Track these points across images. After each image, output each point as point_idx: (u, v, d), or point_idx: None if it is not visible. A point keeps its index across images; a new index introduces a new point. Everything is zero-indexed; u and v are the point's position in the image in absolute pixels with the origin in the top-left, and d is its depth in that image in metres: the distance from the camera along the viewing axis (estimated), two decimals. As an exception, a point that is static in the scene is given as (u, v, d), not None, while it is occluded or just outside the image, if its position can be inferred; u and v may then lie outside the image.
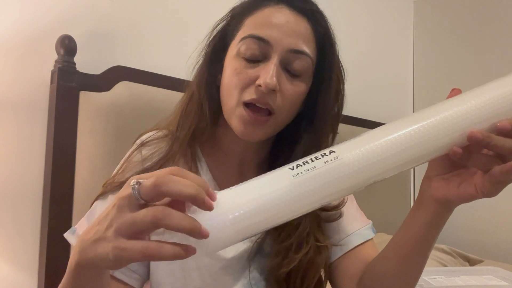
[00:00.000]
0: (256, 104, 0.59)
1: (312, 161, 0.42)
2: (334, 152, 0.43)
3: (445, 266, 1.48)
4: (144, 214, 0.36)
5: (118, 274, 0.61)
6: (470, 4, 2.08)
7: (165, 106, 1.12)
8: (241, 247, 0.67)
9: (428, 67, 2.23)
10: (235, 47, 0.61)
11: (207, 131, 0.65)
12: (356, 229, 0.70)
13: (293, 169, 0.42)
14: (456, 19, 2.13)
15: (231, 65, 0.61)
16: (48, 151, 1.03)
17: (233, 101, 0.60)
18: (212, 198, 0.38)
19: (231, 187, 0.42)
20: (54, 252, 1.00)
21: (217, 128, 0.67)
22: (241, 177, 0.68)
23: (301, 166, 0.42)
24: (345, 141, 0.45)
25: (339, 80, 0.68)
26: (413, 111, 2.26)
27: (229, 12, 0.67)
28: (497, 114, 0.44)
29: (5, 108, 1.01)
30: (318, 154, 0.43)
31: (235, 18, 0.65)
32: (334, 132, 0.70)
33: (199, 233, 0.37)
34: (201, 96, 0.65)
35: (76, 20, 1.12)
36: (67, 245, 1.01)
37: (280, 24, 0.59)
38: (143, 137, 0.69)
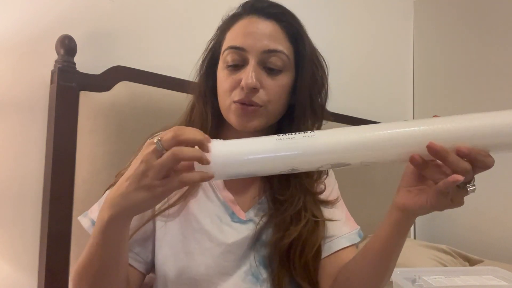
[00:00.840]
0: (244, 103, 0.68)
1: (295, 134, 0.55)
2: (314, 132, 0.54)
3: (445, 266, 1.48)
4: (166, 155, 0.49)
5: None
6: (470, 4, 2.08)
7: (165, 106, 1.13)
8: (242, 233, 0.72)
9: (428, 67, 2.23)
10: (221, 59, 0.72)
11: (210, 132, 0.72)
12: (345, 233, 0.77)
13: (278, 136, 0.55)
14: (456, 19, 2.13)
15: (221, 75, 0.72)
16: (48, 151, 1.03)
17: (226, 102, 0.71)
18: (208, 140, 0.53)
19: (230, 140, 0.55)
20: (54, 252, 1.00)
21: (220, 129, 0.76)
22: None
23: (285, 135, 0.55)
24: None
25: (317, 69, 0.75)
26: (413, 111, 2.26)
27: (217, 30, 0.77)
28: (461, 140, 0.50)
29: (5, 108, 1.01)
30: (302, 132, 0.55)
31: (220, 35, 0.75)
32: (319, 121, 0.77)
33: (205, 160, 0.51)
34: (200, 106, 0.75)
35: (76, 20, 1.12)
36: (67, 245, 1.01)
37: (252, 31, 0.69)
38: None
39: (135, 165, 0.51)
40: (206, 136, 0.53)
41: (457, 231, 1.86)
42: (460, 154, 0.49)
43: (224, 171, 0.54)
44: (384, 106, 2.10)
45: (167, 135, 0.50)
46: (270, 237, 0.72)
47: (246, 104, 0.68)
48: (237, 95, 0.69)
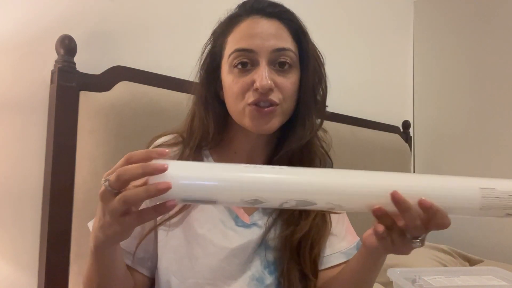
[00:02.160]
0: (261, 104, 0.67)
1: (261, 167, 0.53)
2: (283, 169, 0.52)
3: (445, 266, 1.48)
4: (117, 201, 0.48)
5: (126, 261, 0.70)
6: (470, 4, 2.08)
7: (165, 106, 1.13)
8: (246, 238, 0.71)
9: (428, 67, 2.23)
10: (226, 63, 0.70)
11: (213, 139, 0.73)
12: (343, 248, 0.78)
13: (246, 165, 0.53)
14: (456, 19, 2.13)
15: (228, 79, 0.69)
16: (48, 151, 1.03)
17: (239, 106, 0.69)
18: (162, 155, 0.50)
19: (194, 162, 0.54)
20: (54, 252, 1.00)
21: (225, 134, 0.75)
22: None
23: (252, 167, 0.52)
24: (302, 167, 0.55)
25: (318, 64, 0.75)
26: (413, 111, 2.26)
27: (211, 35, 0.76)
28: (426, 197, 0.52)
29: (5, 108, 1.01)
30: (270, 165, 0.53)
31: (218, 39, 0.73)
32: (322, 116, 0.77)
33: (163, 190, 0.48)
34: (201, 114, 0.73)
35: (76, 20, 1.12)
36: (67, 245, 1.01)
37: (258, 32, 0.68)
38: (158, 141, 0.76)
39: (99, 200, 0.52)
40: (161, 164, 0.49)
41: (457, 231, 1.86)
42: (422, 206, 0.51)
43: (181, 195, 0.50)
44: (383, 106, 2.10)
45: (112, 176, 0.49)
46: (278, 235, 0.73)
47: (262, 106, 0.67)
48: (251, 97, 0.67)
